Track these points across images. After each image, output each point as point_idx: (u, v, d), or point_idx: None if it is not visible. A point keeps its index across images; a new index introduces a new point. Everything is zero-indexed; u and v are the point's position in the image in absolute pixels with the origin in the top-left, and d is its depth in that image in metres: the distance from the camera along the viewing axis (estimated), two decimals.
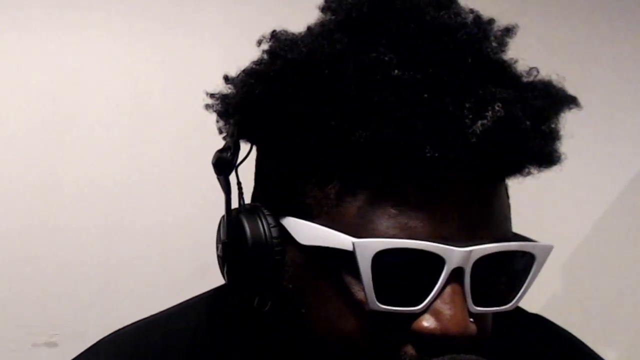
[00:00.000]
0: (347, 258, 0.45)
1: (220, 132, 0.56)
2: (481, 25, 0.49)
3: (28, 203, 1.47)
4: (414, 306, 0.45)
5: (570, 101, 0.50)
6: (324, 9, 0.52)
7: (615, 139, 1.65)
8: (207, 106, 0.55)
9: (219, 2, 1.59)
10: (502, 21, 0.51)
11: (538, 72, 0.51)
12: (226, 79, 0.54)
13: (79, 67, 1.50)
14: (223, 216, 0.53)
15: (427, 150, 0.43)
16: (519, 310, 0.64)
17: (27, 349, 1.48)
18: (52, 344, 1.49)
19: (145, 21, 1.53)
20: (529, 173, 0.49)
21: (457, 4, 0.50)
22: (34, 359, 1.48)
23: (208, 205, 1.52)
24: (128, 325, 0.62)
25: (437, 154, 0.43)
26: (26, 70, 1.48)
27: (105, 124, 1.51)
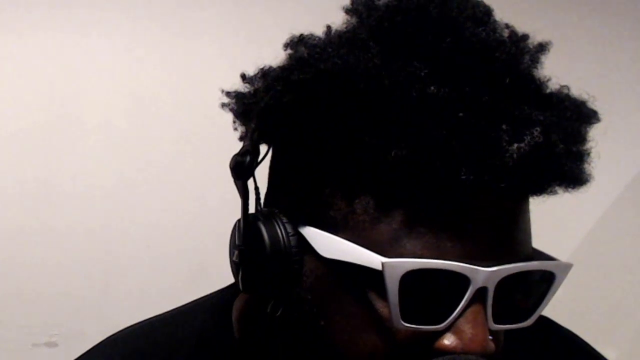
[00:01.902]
0: (374, 276, 0.44)
1: (236, 130, 0.54)
2: (518, 43, 0.48)
3: (28, 203, 1.47)
4: (437, 325, 0.45)
5: (596, 120, 0.50)
6: (349, 11, 0.51)
7: (615, 138, 1.65)
8: (223, 105, 0.54)
9: (219, 2, 1.59)
10: (535, 36, 0.50)
11: (569, 89, 0.50)
12: (243, 77, 0.52)
13: (78, 68, 1.50)
14: (238, 220, 0.52)
15: (462, 173, 0.42)
16: None
17: (27, 349, 1.48)
18: (52, 344, 1.49)
19: (146, 22, 1.53)
20: (554, 193, 0.48)
21: (494, 20, 0.49)
22: (34, 359, 1.48)
23: (208, 207, 1.53)
24: (132, 325, 0.62)
25: (472, 177, 0.42)
26: (27, 70, 1.48)
27: (104, 124, 1.51)
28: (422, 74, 0.44)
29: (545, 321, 0.66)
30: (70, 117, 1.50)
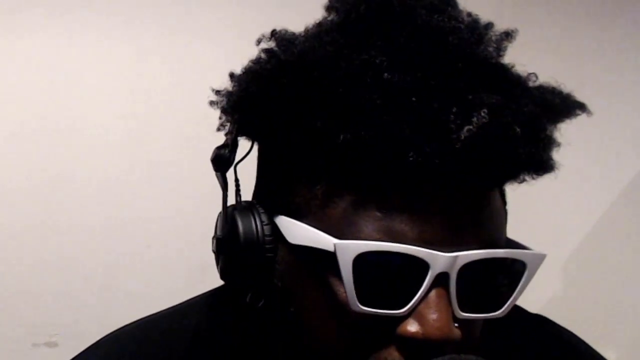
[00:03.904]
0: (331, 259, 0.45)
1: (222, 128, 0.56)
2: (476, 30, 0.49)
3: (28, 203, 1.47)
4: (398, 309, 0.45)
5: (577, 107, 0.49)
6: (328, 8, 0.52)
7: (615, 138, 1.65)
8: (212, 102, 0.55)
9: (220, 3, 1.59)
10: (502, 25, 0.51)
11: (537, 77, 0.50)
12: (231, 76, 0.54)
13: (79, 68, 1.50)
14: (220, 212, 0.54)
15: (410, 155, 0.42)
16: (520, 311, 0.64)
17: (27, 349, 1.48)
18: (52, 344, 1.49)
19: (146, 23, 1.53)
20: (523, 180, 0.48)
21: (455, 8, 0.50)
22: (34, 359, 1.48)
23: (208, 206, 1.52)
24: (128, 324, 0.62)
25: (420, 159, 0.42)
26: (27, 71, 1.47)
27: (105, 125, 1.51)
28: (378, 61, 0.45)
29: (545, 321, 0.66)
30: (70, 117, 1.50)
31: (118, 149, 1.52)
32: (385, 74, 0.44)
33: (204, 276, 1.51)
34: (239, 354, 0.58)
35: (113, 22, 1.51)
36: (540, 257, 0.48)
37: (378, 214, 0.45)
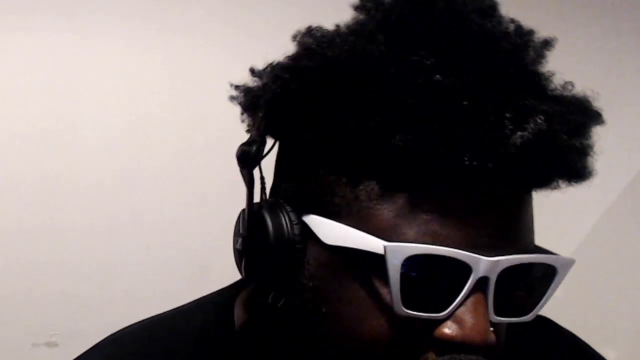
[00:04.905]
0: (376, 261, 0.44)
1: (244, 123, 0.54)
2: (523, 36, 0.49)
3: (28, 203, 1.47)
4: (438, 312, 0.45)
5: (599, 120, 0.50)
6: (358, 8, 0.51)
7: (615, 138, 1.65)
8: (231, 98, 0.54)
9: (220, 3, 1.59)
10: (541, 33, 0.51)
11: (573, 86, 0.50)
12: (252, 71, 0.53)
13: (79, 69, 1.50)
14: (243, 210, 0.52)
15: (465, 159, 0.42)
16: None
17: (27, 349, 1.48)
18: (52, 344, 1.49)
19: (146, 23, 1.53)
20: (557, 187, 0.49)
21: (500, 13, 0.50)
22: (34, 359, 1.48)
23: (208, 208, 1.53)
24: (132, 325, 0.62)
25: (475, 163, 0.43)
26: (28, 71, 1.48)
27: (105, 125, 1.52)
28: (428, 62, 0.44)
29: (546, 322, 0.66)
30: (70, 117, 1.50)
31: (118, 149, 1.52)
32: (437, 76, 0.44)
33: (204, 276, 1.52)
34: (246, 354, 0.58)
35: (113, 22, 1.51)
36: (570, 262, 0.48)
37: (425, 217, 0.45)
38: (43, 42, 1.48)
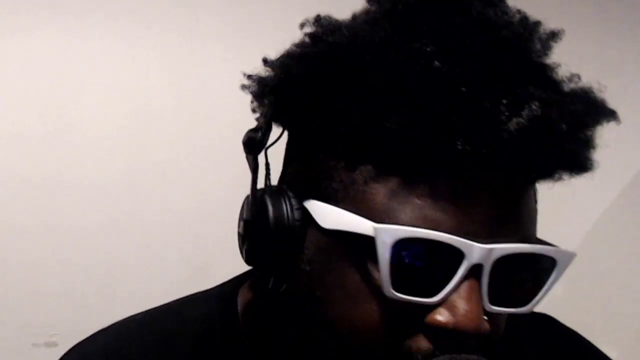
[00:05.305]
0: (368, 243, 0.45)
1: (254, 112, 0.55)
2: (527, 26, 0.49)
3: (28, 203, 1.47)
4: (430, 298, 0.45)
5: (609, 114, 0.50)
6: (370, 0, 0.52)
7: (615, 138, 1.64)
8: (243, 87, 0.55)
9: (220, 4, 1.59)
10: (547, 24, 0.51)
11: (580, 78, 0.50)
12: (265, 61, 0.53)
13: (79, 69, 1.50)
14: (248, 195, 0.53)
15: (458, 143, 0.43)
16: None
17: (27, 349, 1.48)
18: (52, 344, 1.49)
19: (146, 23, 1.53)
20: (559, 178, 0.49)
21: (505, 3, 0.50)
22: (34, 359, 1.48)
23: (208, 208, 1.53)
24: (138, 313, 0.63)
25: (468, 148, 0.43)
26: (27, 71, 1.47)
27: (105, 125, 1.51)
28: (428, 49, 0.45)
29: (547, 319, 0.66)
30: (70, 118, 1.50)
31: (118, 149, 1.52)
32: (436, 62, 0.44)
33: (204, 276, 1.51)
34: (252, 339, 0.58)
35: (113, 22, 1.51)
36: (571, 255, 0.48)
37: (418, 201, 0.45)
38: (43, 42, 1.48)
